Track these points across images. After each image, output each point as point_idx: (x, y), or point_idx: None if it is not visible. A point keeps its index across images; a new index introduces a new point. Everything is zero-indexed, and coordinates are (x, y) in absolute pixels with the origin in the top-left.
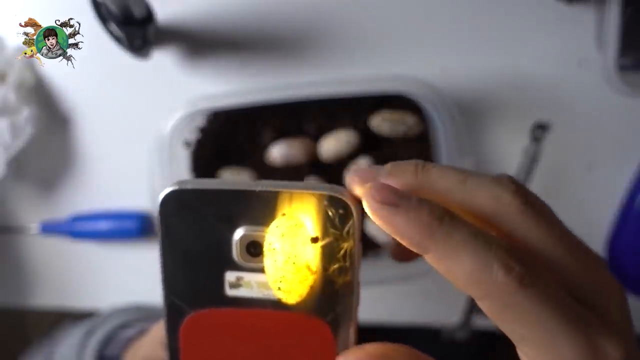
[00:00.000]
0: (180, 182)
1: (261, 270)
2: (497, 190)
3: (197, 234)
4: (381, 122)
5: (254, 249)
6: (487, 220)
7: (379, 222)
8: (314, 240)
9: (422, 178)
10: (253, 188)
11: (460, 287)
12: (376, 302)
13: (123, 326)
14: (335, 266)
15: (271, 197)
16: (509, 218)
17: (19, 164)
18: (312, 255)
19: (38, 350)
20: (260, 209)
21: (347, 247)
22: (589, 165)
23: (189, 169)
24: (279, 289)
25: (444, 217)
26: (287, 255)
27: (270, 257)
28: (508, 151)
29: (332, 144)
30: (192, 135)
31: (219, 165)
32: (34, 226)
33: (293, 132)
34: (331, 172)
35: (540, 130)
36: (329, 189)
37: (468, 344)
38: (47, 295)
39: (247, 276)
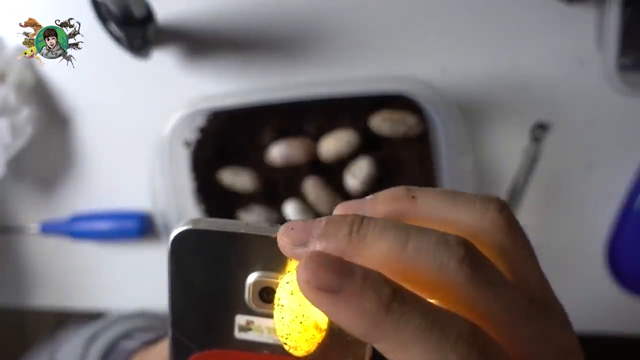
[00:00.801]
0: (193, 222)
1: (272, 316)
2: (441, 257)
3: (209, 275)
4: (381, 122)
5: (267, 294)
6: (433, 290)
7: (317, 307)
8: None
9: (357, 244)
10: (269, 234)
11: None
12: None
13: (126, 336)
14: None
15: None
16: (455, 289)
17: (19, 164)
18: (321, 313)
19: (41, 350)
20: (276, 255)
21: None
22: (589, 165)
23: (189, 169)
24: (285, 344)
25: (391, 303)
26: (295, 314)
27: (277, 312)
28: (508, 151)
29: (332, 144)
30: (193, 135)
31: (219, 165)
32: (34, 226)
33: (293, 132)
34: (331, 172)
35: (540, 130)
36: None
37: None
38: (47, 296)
39: (258, 321)
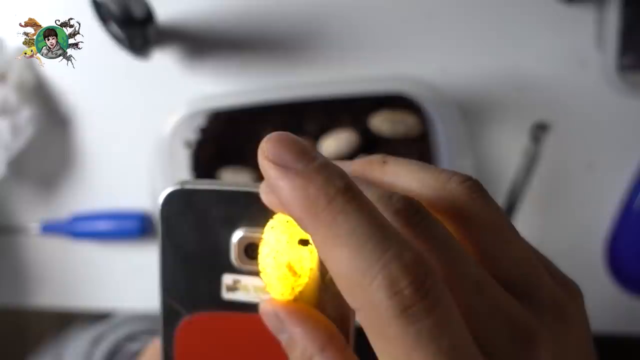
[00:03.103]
0: (181, 182)
1: (258, 273)
2: (378, 209)
3: (197, 235)
4: (381, 122)
5: (252, 251)
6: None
7: (266, 179)
8: (303, 242)
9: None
10: (254, 189)
11: (336, 284)
12: None
13: (129, 338)
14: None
15: None
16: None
17: (19, 164)
18: (298, 257)
19: (45, 351)
20: (261, 211)
21: None
22: (589, 165)
23: (189, 169)
24: (261, 278)
25: (337, 195)
26: (270, 248)
27: (261, 246)
28: (508, 151)
29: (332, 144)
30: (193, 135)
31: (219, 165)
32: (34, 226)
33: (293, 132)
34: None
35: (540, 130)
36: None
37: None
38: (47, 296)
39: (244, 279)
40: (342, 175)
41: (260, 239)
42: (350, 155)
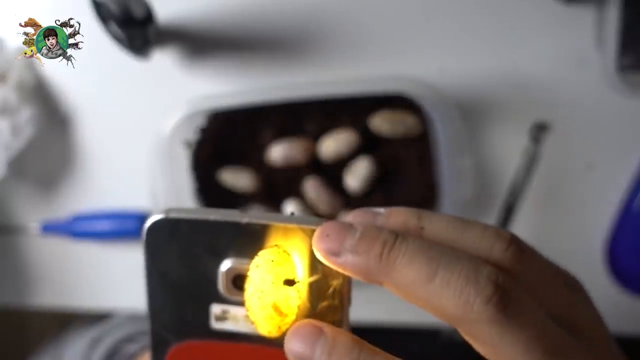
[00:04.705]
0: (167, 211)
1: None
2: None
3: (184, 264)
4: (381, 122)
5: (240, 282)
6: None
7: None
8: (289, 282)
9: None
10: (240, 220)
11: (422, 306)
12: (374, 302)
13: (128, 339)
14: (324, 304)
15: (259, 230)
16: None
17: (19, 164)
18: (284, 297)
19: (44, 352)
20: (248, 242)
21: (337, 285)
22: (589, 165)
23: (189, 169)
24: (248, 316)
25: (391, 243)
26: (255, 288)
27: (247, 283)
28: (508, 151)
29: (332, 144)
30: (193, 135)
31: (219, 165)
32: (34, 226)
33: (293, 132)
34: (331, 172)
35: (540, 130)
36: (319, 224)
37: (467, 344)
38: (48, 296)
39: (233, 309)
40: (384, 230)
41: (248, 269)
42: (350, 155)
